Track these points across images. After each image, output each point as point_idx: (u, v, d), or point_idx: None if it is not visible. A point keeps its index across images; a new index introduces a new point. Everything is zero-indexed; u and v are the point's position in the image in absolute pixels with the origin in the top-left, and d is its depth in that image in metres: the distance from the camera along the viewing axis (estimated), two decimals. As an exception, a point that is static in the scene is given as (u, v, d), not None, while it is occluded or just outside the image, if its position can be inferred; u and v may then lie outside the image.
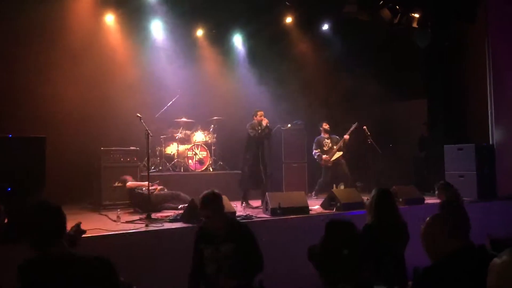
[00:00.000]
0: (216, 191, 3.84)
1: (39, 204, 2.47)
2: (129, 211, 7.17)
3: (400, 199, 7.40)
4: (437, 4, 9.35)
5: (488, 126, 9.32)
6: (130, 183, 7.37)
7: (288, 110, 10.34)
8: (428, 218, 2.65)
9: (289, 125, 10.14)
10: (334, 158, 9.15)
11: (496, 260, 1.42)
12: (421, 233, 2.64)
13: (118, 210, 6.46)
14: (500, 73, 9.36)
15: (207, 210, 3.72)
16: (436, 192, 5.98)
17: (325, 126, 9.42)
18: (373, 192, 4.26)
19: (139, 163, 8.22)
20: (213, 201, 3.75)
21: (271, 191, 7.40)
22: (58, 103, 8.14)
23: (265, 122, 7.92)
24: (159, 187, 7.58)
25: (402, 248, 4.21)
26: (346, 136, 9.12)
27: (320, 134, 9.51)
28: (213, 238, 3.75)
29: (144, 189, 7.03)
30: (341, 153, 9.19)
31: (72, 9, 8.45)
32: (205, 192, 3.81)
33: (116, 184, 7.64)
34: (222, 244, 3.72)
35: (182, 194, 7.44)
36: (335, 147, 9.22)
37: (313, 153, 9.36)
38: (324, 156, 9.16)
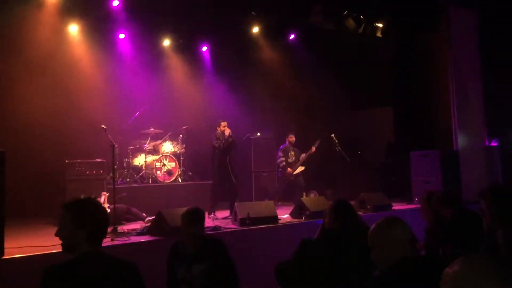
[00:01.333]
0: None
1: (94, 200, 2.46)
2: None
3: (368, 206, 7.50)
4: (399, 14, 9.56)
5: (452, 133, 9.52)
6: None
7: (257, 119, 10.36)
8: (375, 224, 2.49)
9: (258, 134, 10.16)
10: (296, 172, 9.39)
11: (448, 270, 1.42)
12: (368, 236, 2.47)
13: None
14: (462, 82, 9.61)
15: (200, 226, 3.57)
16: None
17: (291, 138, 9.66)
18: (329, 204, 4.25)
19: (106, 176, 8.03)
20: (203, 218, 3.64)
21: (240, 200, 7.36)
22: (20, 115, 7.93)
23: (227, 132, 7.89)
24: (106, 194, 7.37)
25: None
26: (303, 156, 9.42)
27: (285, 143, 9.68)
28: (186, 258, 3.56)
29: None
30: (303, 168, 9.48)
31: (34, 19, 8.21)
32: (193, 207, 3.66)
33: None
34: (194, 265, 3.51)
35: (133, 209, 7.32)
36: (298, 160, 9.46)
37: (279, 160, 9.53)
38: (289, 170, 9.37)
